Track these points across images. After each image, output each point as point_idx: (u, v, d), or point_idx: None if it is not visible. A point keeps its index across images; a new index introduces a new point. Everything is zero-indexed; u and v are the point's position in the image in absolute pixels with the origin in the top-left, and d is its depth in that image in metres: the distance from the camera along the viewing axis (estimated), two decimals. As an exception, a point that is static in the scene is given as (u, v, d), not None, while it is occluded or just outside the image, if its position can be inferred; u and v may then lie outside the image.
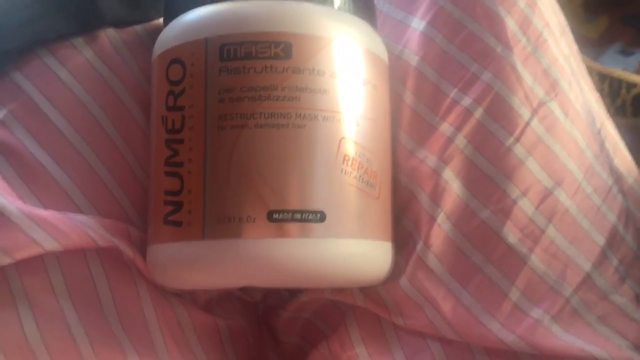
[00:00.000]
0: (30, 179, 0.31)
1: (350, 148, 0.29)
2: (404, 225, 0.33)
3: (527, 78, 0.33)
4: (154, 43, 0.33)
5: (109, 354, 0.30)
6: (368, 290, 0.33)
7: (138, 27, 0.35)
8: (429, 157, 0.33)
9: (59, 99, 0.32)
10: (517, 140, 0.32)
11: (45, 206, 0.30)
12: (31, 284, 0.29)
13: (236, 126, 0.29)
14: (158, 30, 0.33)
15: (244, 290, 0.37)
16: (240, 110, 0.29)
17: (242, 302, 0.37)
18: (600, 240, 0.32)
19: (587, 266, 0.31)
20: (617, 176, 0.34)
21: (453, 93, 0.33)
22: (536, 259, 0.30)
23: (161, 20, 0.36)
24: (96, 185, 0.32)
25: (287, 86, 0.29)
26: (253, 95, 0.29)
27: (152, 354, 0.31)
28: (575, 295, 0.30)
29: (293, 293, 0.37)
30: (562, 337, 0.29)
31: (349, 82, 0.30)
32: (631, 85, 0.75)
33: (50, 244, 0.29)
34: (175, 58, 0.30)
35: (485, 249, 0.31)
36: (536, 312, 0.30)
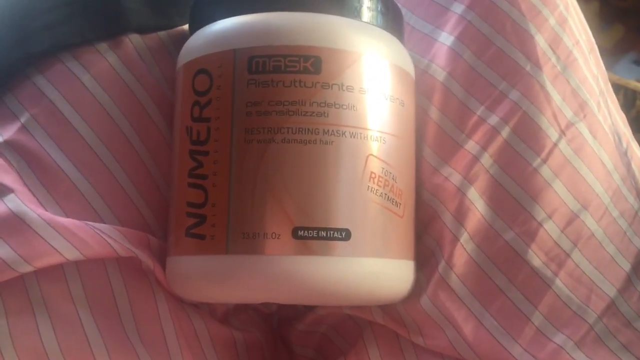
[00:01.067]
0: (51, 186, 0.30)
1: (376, 165, 0.29)
2: (426, 244, 0.33)
3: (556, 98, 0.32)
4: (177, 49, 0.32)
5: (125, 362, 0.29)
6: (388, 308, 0.33)
7: (162, 33, 0.35)
8: (453, 175, 0.32)
9: (82, 105, 0.32)
10: (544, 161, 0.31)
11: (66, 213, 0.30)
12: (50, 292, 0.29)
13: (263, 140, 0.28)
14: (182, 36, 0.33)
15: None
16: (267, 125, 0.28)
17: (258, 314, 0.37)
18: (626, 265, 0.31)
19: (612, 292, 0.31)
20: (643, 199, 0.33)
21: (480, 111, 0.33)
22: (560, 284, 0.30)
23: (185, 26, 0.35)
24: (117, 192, 0.31)
25: (316, 101, 0.28)
26: (281, 110, 0.28)
27: (169, 364, 0.31)
28: (599, 321, 0.30)
29: (309, 306, 0.37)
30: (585, 364, 0.29)
31: (377, 98, 0.29)
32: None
33: (70, 253, 0.28)
34: (202, 68, 0.30)
35: (509, 271, 0.30)
36: (559, 338, 0.30)
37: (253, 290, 0.29)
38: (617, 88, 0.88)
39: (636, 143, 0.37)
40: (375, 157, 0.29)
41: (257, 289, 0.28)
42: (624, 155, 0.34)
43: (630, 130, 0.37)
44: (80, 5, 0.33)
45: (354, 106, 0.29)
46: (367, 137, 0.29)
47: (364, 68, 0.29)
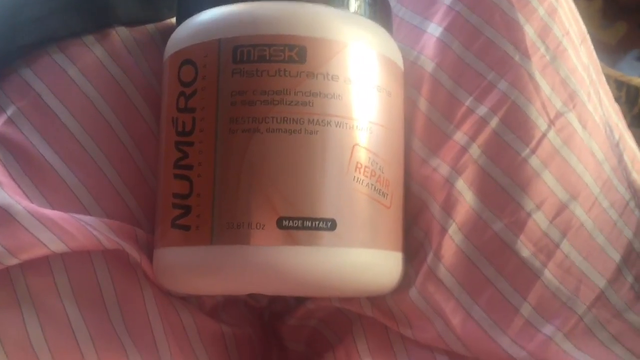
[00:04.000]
0: (37, 178, 0.30)
1: (362, 155, 0.29)
2: (415, 235, 0.32)
3: (545, 88, 0.32)
4: (165, 43, 0.32)
5: (111, 356, 0.29)
6: (376, 300, 0.32)
7: (150, 26, 0.35)
8: (441, 166, 0.32)
9: (68, 98, 0.32)
10: (533, 151, 0.31)
11: (52, 205, 0.30)
12: (36, 285, 0.29)
13: (248, 130, 0.28)
14: (170, 29, 0.33)
15: (251, 295, 0.37)
16: (252, 114, 0.28)
17: (249, 308, 0.37)
18: (616, 256, 0.31)
19: (601, 283, 0.30)
20: (634, 190, 0.33)
21: (468, 101, 0.32)
22: (549, 274, 0.30)
23: (173, 19, 0.35)
24: (103, 185, 0.31)
25: (301, 91, 0.28)
26: (265, 99, 0.28)
27: (155, 357, 0.30)
28: (588, 312, 0.30)
29: (299, 300, 0.36)
30: (574, 355, 0.29)
31: (363, 88, 0.29)
32: (649, 94, 0.74)
33: (56, 245, 0.28)
34: (187, 59, 0.30)
35: (497, 262, 0.30)
36: (548, 329, 0.29)
37: (238, 280, 0.28)
38: (620, 85, 0.88)
39: (630, 134, 0.36)
40: (362, 147, 0.29)
41: (242, 279, 0.28)
42: (616, 147, 0.34)
43: (624, 122, 0.36)
44: (69, -3, 0.33)
45: (339, 96, 0.29)
46: (352, 127, 0.29)
47: (350, 57, 0.29)
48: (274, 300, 0.38)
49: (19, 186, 0.30)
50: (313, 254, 0.28)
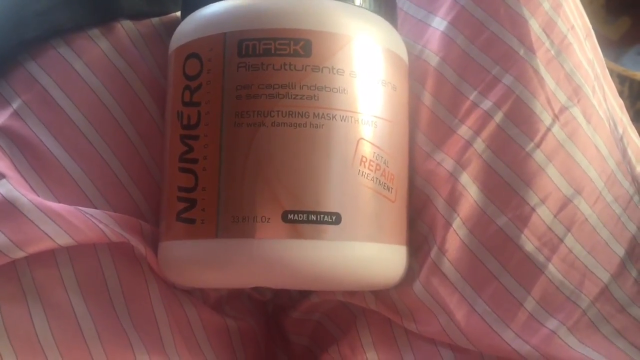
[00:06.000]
0: (43, 171, 0.30)
1: (367, 149, 0.29)
2: (419, 229, 0.32)
3: (550, 82, 0.32)
4: (170, 36, 0.32)
5: (117, 349, 0.29)
6: (380, 294, 0.32)
7: (155, 20, 0.35)
8: (446, 160, 0.32)
9: (74, 91, 0.32)
10: (538, 146, 0.31)
11: (58, 199, 0.30)
12: (42, 278, 0.29)
13: (253, 124, 0.28)
14: (175, 23, 0.33)
15: (255, 288, 0.37)
16: (257, 108, 0.28)
17: (253, 301, 0.37)
18: (620, 250, 0.31)
19: (605, 277, 0.30)
20: (638, 184, 0.33)
21: (473, 95, 0.32)
22: (553, 269, 0.30)
23: (178, 13, 0.35)
24: (109, 179, 0.31)
25: (306, 84, 0.28)
26: (271, 93, 0.28)
27: (161, 351, 0.30)
28: (592, 306, 0.30)
29: (303, 293, 0.36)
30: (577, 350, 0.29)
31: (368, 81, 0.29)
32: (652, 88, 0.74)
33: (62, 238, 0.28)
34: (192, 52, 0.30)
35: (502, 256, 0.30)
36: (552, 323, 0.29)
37: (243, 274, 0.28)
38: (623, 80, 0.88)
39: (634, 129, 0.36)
40: (367, 141, 0.29)
41: (246, 273, 0.28)
42: (620, 141, 0.34)
43: (628, 117, 0.36)
44: (73, -9, 0.33)
45: (344, 89, 0.29)
46: (358, 120, 0.29)
47: (355, 51, 0.29)
48: (278, 293, 0.38)
49: (25, 179, 0.30)
50: (318, 248, 0.28)
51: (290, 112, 0.28)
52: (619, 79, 0.87)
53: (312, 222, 0.28)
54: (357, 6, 0.30)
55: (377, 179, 0.29)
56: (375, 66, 0.30)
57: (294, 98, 0.28)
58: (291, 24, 0.29)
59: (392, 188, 0.30)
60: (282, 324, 0.38)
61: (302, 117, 0.28)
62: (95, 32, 0.33)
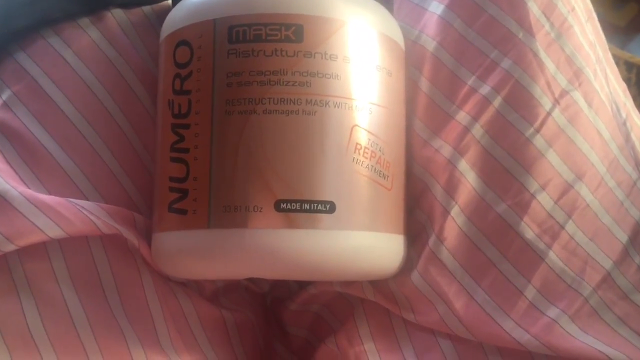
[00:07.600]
0: (33, 163, 0.30)
1: (362, 136, 0.28)
2: (417, 218, 0.32)
3: (550, 66, 0.31)
4: (161, 25, 0.32)
5: (111, 342, 0.29)
6: (379, 284, 0.32)
7: (146, 8, 0.34)
8: (444, 147, 0.31)
9: (64, 81, 0.31)
10: (537, 131, 0.30)
11: (49, 191, 0.30)
12: (33, 271, 0.28)
13: (244, 112, 0.27)
14: (166, 11, 0.32)
15: (252, 280, 0.36)
16: (248, 95, 0.28)
17: (250, 293, 0.37)
18: (623, 237, 0.30)
19: (607, 264, 0.30)
20: (642, 170, 0.32)
21: (471, 80, 0.32)
22: (554, 256, 0.29)
23: (169, 1, 0.35)
24: (101, 170, 0.31)
25: (298, 71, 0.28)
26: (262, 80, 0.28)
27: (156, 343, 0.30)
28: (594, 294, 0.29)
29: (301, 285, 0.36)
30: (579, 338, 0.28)
31: (362, 67, 0.29)
32: (659, 75, 0.73)
33: (53, 231, 0.28)
34: (182, 40, 0.29)
35: (501, 244, 0.30)
36: (553, 312, 0.29)
37: (236, 265, 0.28)
38: (630, 67, 0.87)
39: (637, 113, 0.35)
40: (361, 128, 0.28)
41: (239, 263, 0.28)
42: (623, 125, 0.33)
43: (631, 101, 0.36)
44: (62, -20, 0.33)
45: (337, 75, 0.28)
46: (352, 107, 0.28)
47: (349, 36, 0.28)
48: (276, 285, 0.37)
49: (15, 171, 0.30)
50: (312, 237, 0.27)
51: (282, 99, 0.27)
52: (626, 66, 0.86)
53: (305, 211, 0.27)
54: (351, -10, 0.30)
55: (372, 166, 0.29)
56: (370, 51, 0.29)
57: (286, 85, 0.27)
58: (282, 9, 0.28)
59: (388, 176, 0.29)
60: (280, 316, 0.37)
61: (294, 104, 0.27)
62: (85, 21, 0.32)
